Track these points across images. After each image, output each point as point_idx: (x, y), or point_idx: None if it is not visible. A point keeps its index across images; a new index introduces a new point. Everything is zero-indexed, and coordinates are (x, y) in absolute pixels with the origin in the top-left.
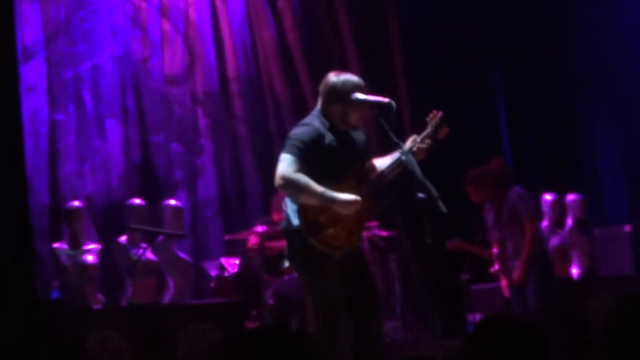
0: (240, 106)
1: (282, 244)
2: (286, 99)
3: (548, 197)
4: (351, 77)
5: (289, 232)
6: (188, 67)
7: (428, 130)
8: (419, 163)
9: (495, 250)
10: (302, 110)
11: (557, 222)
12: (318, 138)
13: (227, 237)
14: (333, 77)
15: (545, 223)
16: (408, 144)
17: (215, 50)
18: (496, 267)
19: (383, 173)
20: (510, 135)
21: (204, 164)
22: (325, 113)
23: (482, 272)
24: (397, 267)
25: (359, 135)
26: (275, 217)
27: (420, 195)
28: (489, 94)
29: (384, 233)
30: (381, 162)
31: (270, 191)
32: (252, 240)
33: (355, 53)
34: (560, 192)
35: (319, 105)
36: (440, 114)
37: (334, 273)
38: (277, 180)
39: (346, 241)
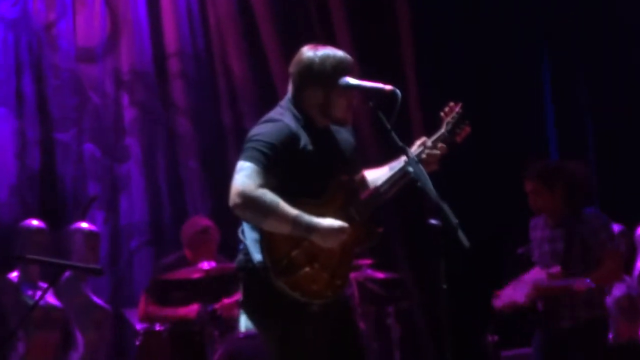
0: (181, 92)
1: (237, 288)
2: (246, 83)
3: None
4: (335, 53)
5: (247, 271)
6: (110, 37)
7: (443, 129)
8: (431, 175)
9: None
10: (268, 100)
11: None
12: (290, 140)
13: (160, 277)
14: (308, 52)
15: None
16: (415, 149)
17: (149, 15)
18: None
19: (380, 190)
20: (559, 141)
21: (130, 173)
22: (298, 104)
23: (514, 333)
24: (397, 323)
25: (345, 136)
26: (188, 254)
27: (433, 221)
28: (531, 81)
29: (380, 275)
30: (377, 175)
31: (223, 213)
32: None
33: (345, 23)
34: (629, 222)
35: (289, 93)
36: (459, 107)
37: (310, 331)
38: (233, 198)
39: (328, 286)
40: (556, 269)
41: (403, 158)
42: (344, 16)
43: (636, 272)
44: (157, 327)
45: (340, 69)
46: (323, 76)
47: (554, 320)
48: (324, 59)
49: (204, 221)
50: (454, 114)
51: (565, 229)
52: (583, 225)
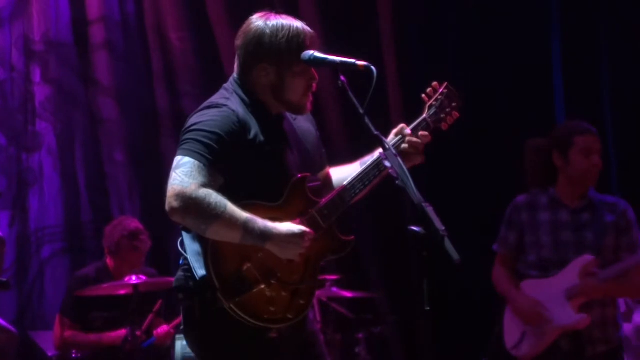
0: (106, 68)
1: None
2: (186, 58)
3: None
4: (291, 23)
5: (189, 291)
6: None
7: (425, 115)
8: (413, 170)
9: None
10: (213, 79)
11: None
12: (238, 129)
13: (79, 293)
14: (258, 21)
15: None
16: (392, 138)
17: None
18: None
19: (349, 189)
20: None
21: (42, 165)
22: (246, 85)
23: None
24: (368, 354)
25: (305, 125)
26: (110, 263)
27: (414, 228)
28: (536, 55)
29: (348, 294)
30: (346, 172)
31: (155, 217)
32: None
33: None
34: None
35: (235, 73)
36: (444, 88)
37: None
38: (170, 201)
39: (288, 306)
40: (589, 258)
41: (378, 151)
42: None
43: None
44: (74, 355)
45: (297, 43)
46: (275, 52)
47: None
48: (277, 30)
49: (133, 223)
50: (438, 96)
51: (593, 214)
52: (613, 213)
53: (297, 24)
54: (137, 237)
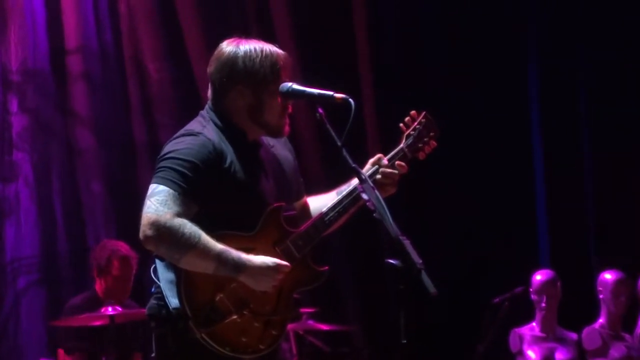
0: (84, 98)
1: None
2: (164, 88)
3: (608, 276)
4: (262, 46)
5: (161, 320)
6: None
7: (402, 144)
8: (389, 200)
9: None
10: (190, 109)
11: (622, 320)
12: (213, 157)
13: (53, 323)
14: (228, 47)
15: (601, 320)
16: (369, 168)
17: (45, 1)
18: None
19: (324, 219)
20: (546, 164)
21: (18, 195)
22: (221, 111)
23: None
24: None
25: (282, 152)
26: (99, 287)
27: (391, 261)
28: (514, 87)
29: (324, 327)
30: (323, 202)
31: (132, 245)
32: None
33: (286, 15)
34: (632, 271)
35: (210, 100)
36: (422, 117)
37: None
38: (144, 230)
39: (261, 337)
40: None
41: (354, 180)
42: (286, 9)
43: (638, 331)
44: None
45: (271, 63)
46: (250, 73)
47: None
48: (250, 52)
49: (120, 243)
50: (416, 125)
51: None
52: None
53: (268, 46)
54: (127, 257)
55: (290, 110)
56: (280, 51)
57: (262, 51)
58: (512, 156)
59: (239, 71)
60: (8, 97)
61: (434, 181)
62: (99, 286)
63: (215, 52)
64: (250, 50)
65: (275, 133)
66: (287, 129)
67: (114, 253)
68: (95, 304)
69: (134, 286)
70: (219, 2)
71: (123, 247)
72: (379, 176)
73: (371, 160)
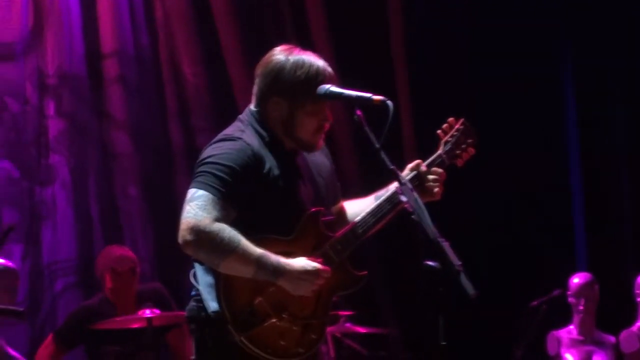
0: (120, 101)
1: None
2: (200, 92)
3: None
4: (312, 61)
5: (200, 322)
6: (33, 31)
7: (440, 151)
8: (429, 206)
9: None
10: (226, 114)
11: None
12: (252, 162)
13: (92, 326)
14: (280, 54)
15: (639, 323)
16: (407, 173)
17: (82, 5)
18: None
19: (363, 223)
20: (583, 167)
21: (55, 198)
22: (261, 117)
23: None
24: None
25: (320, 159)
26: (109, 293)
27: (430, 263)
28: (551, 87)
29: (362, 329)
30: (360, 206)
31: (168, 251)
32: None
33: (323, 20)
34: None
35: (252, 104)
36: (460, 124)
37: None
38: (184, 234)
39: (299, 341)
40: None
41: (393, 185)
42: (322, 14)
43: None
44: None
45: (316, 81)
46: (290, 87)
47: None
48: (297, 66)
49: (117, 251)
50: (453, 132)
51: None
52: None
53: (320, 62)
54: (118, 262)
55: (327, 127)
56: (328, 70)
57: (310, 67)
58: (548, 159)
59: (281, 83)
60: (45, 101)
61: (471, 185)
62: (106, 291)
63: (266, 56)
64: (298, 64)
65: (307, 149)
66: (320, 144)
67: (105, 268)
68: (108, 306)
69: (171, 291)
70: (255, 7)
71: (118, 257)
72: (420, 181)
73: (410, 166)
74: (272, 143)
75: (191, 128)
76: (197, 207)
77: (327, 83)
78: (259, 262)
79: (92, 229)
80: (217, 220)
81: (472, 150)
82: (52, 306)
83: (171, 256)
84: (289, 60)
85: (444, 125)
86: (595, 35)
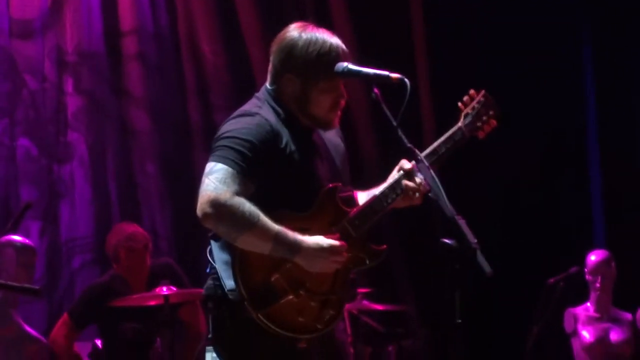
0: (138, 79)
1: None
2: (219, 70)
3: None
4: (326, 38)
5: (217, 300)
6: (52, 8)
7: (460, 123)
8: (446, 183)
9: None
10: (245, 91)
11: None
12: (270, 137)
13: (109, 303)
14: (294, 31)
15: None
16: (428, 151)
17: None
18: None
19: (380, 198)
20: (601, 146)
21: (73, 176)
22: (276, 94)
23: None
24: None
25: (334, 139)
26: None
27: (446, 241)
28: (568, 70)
29: (379, 307)
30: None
31: (187, 228)
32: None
33: (344, 3)
34: None
35: (268, 82)
36: (481, 96)
37: None
38: (203, 207)
39: (318, 317)
40: None
41: (412, 161)
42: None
43: None
44: None
45: (328, 60)
46: (303, 64)
47: None
48: (310, 43)
49: (129, 228)
50: (474, 104)
51: None
52: None
53: (333, 40)
54: (132, 239)
55: (343, 104)
56: (342, 47)
57: (323, 44)
58: (566, 139)
59: (293, 60)
60: (63, 78)
61: (489, 164)
62: (118, 269)
63: (281, 32)
64: (311, 41)
65: (323, 126)
66: (336, 122)
67: (119, 243)
68: (121, 283)
69: (188, 267)
70: None
71: (128, 234)
72: (439, 157)
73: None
74: (288, 120)
75: (210, 106)
76: (217, 181)
77: (341, 60)
78: (277, 239)
79: (109, 207)
80: (237, 194)
81: (494, 123)
82: (69, 283)
83: (189, 233)
84: (301, 37)
85: (465, 98)
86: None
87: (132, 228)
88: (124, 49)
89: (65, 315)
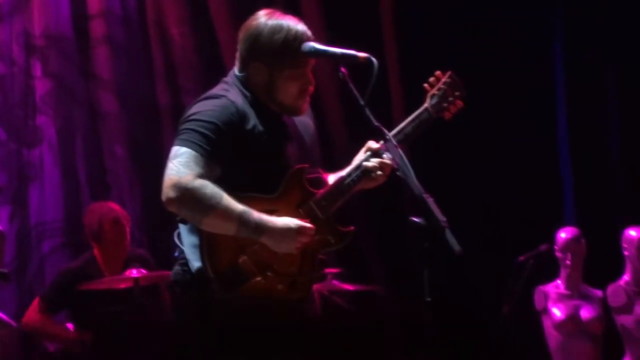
0: (107, 62)
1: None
2: (187, 53)
3: (633, 232)
4: (291, 26)
5: (185, 285)
6: None
7: (426, 104)
8: (414, 162)
9: None
10: (213, 74)
11: None
12: (236, 119)
13: (79, 286)
14: (260, 18)
15: (626, 277)
16: (395, 131)
17: None
18: None
19: (347, 179)
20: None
21: (42, 160)
22: (244, 80)
23: None
24: None
25: (304, 120)
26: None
27: (415, 219)
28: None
29: (349, 287)
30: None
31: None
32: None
33: None
34: None
35: (236, 69)
36: (447, 77)
37: (263, 357)
38: (166, 191)
39: (285, 299)
40: None
41: (379, 142)
42: None
43: None
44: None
45: (294, 46)
46: (270, 52)
47: None
48: (275, 30)
49: (110, 205)
50: (440, 85)
51: None
52: None
53: (299, 27)
54: (116, 213)
55: (311, 91)
56: (308, 34)
57: (288, 31)
58: (535, 114)
59: (259, 48)
60: (31, 62)
61: (457, 140)
62: (96, 251)
63: (247, 20)
64: (276, 28)
65: (291, 113)
66: (304, 108)
67: (103, 217)
68: (94, 268)
69: (158, 251)
70: None
71: (111, 208)
72: (405, 136)
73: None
74: (255, 103)
75: (178, 88)
76: (180, 164)
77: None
78: (241, 219)
79: (79, 190)
80: (200, 176)
81: (460, 104)
82: (39, 267)
83: (159, 216)
84: (267, 24)
85: (431, 79)
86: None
87: (110, 204)
88: (92, 32)
89: (36, 301)
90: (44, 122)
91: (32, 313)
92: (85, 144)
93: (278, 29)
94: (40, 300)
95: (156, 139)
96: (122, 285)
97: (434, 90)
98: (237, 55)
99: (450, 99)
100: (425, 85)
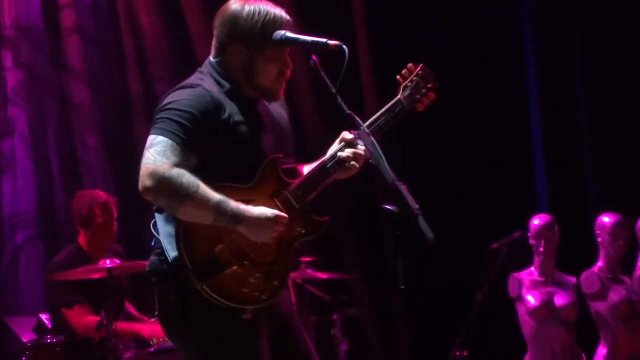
0: (78, 52)
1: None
2: (158, 42)
3: (606, 219)
4: (269, 9)
5: (162, 273)
6: None
7: (400, 96)
8: (388, 151)
9: None
10: (184, 63)
11: (621, 263)
12: (212, 108)
13: (52, 278)
14: (236, 3)
15: (599, 263)
16: (369, 122)
17: None
18: None
19: (322, 168)
20: (542, 109)
21: (14, 151)
22: (221, 66)
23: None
24: (344, 335)
25: (279, 110)
26: (82, 240)
27: (388, 207)
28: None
29: (323, 275)
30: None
31: (130, 201)
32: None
33: None
34: (630, 213)
35: (212, 55)
36: (419, 69)
37: (241, 345)
38: (143, 180)
39: (262, 288)
40: None
41: (352, 131)
42: None
43: (637, 273)
44: (48, 340)
45: (272, 28)
46: (249, 34)
47: None
48: (253, 13)
49: (99, 192)
50: (413, 77)
51: None
52: None
53: (276, 10)
54: (105, 197)
55: (288, 74)
56: (286, 17)
57: (266, 14)
58: (508, 102)
59: (238, 30)
60: (2, 53)
61: (431, 129)
62: (82, 238)
63: (223, 6)
64: (254, 12)
65: (269, 96)
66: (281, 93)
67: (93, 201)
68: (81, 257)
69: (133, 241)
70: None
71: (100, 193)
72: (378, 127)
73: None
74: (232, 91)
75: (149, 77)
76: (156, 153)
77: (284, 29)
78: (218, 208)
79: (52, 180)
80: (177, 165)
81: (432, 95)
82: (13, 258)
83: (132, 205)
84: (244, 8)
85: (403, 71)
86: None
87: (101, 192)
88: (62, 22)
89: (63, 310)
90: (15, 113)
91: (78, 319)
92: (57, 134)
93: (257, 12)
94: (64, 307)
95: (128, 127)
96: (96, 276)
97: (406, 82)
98: (214, 41)
99: (423, 90)
100: (398, 77)
